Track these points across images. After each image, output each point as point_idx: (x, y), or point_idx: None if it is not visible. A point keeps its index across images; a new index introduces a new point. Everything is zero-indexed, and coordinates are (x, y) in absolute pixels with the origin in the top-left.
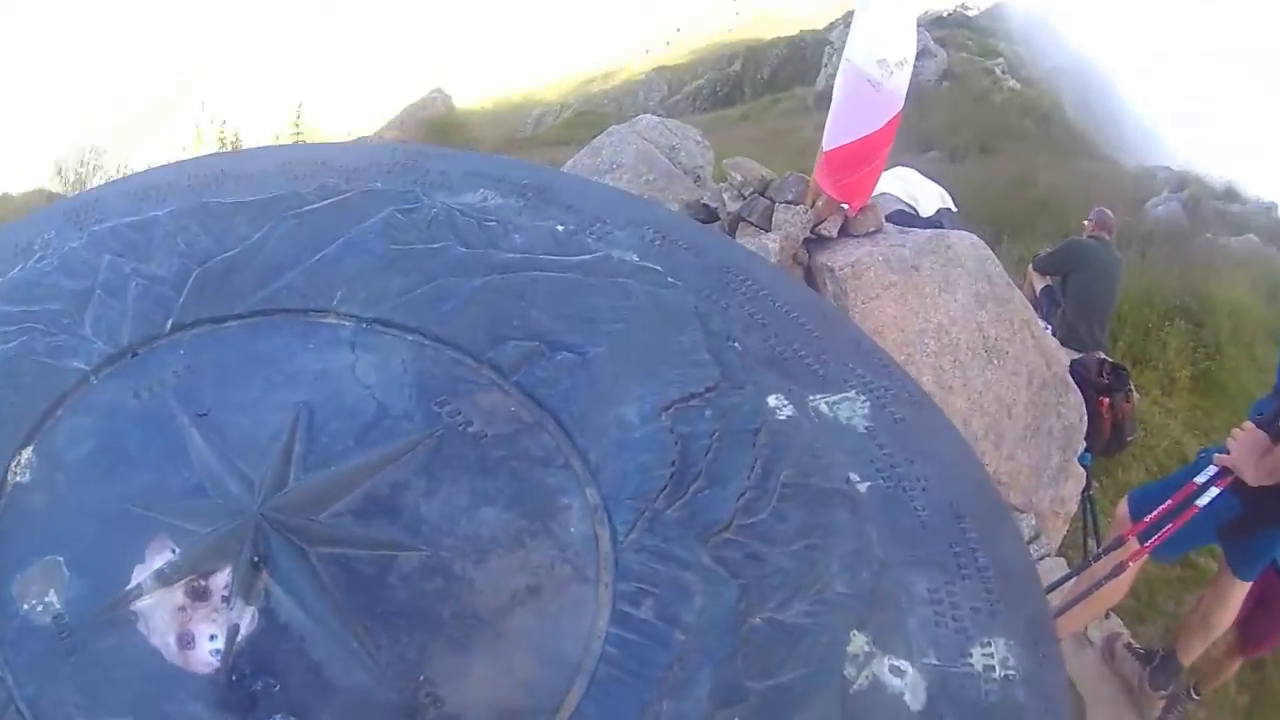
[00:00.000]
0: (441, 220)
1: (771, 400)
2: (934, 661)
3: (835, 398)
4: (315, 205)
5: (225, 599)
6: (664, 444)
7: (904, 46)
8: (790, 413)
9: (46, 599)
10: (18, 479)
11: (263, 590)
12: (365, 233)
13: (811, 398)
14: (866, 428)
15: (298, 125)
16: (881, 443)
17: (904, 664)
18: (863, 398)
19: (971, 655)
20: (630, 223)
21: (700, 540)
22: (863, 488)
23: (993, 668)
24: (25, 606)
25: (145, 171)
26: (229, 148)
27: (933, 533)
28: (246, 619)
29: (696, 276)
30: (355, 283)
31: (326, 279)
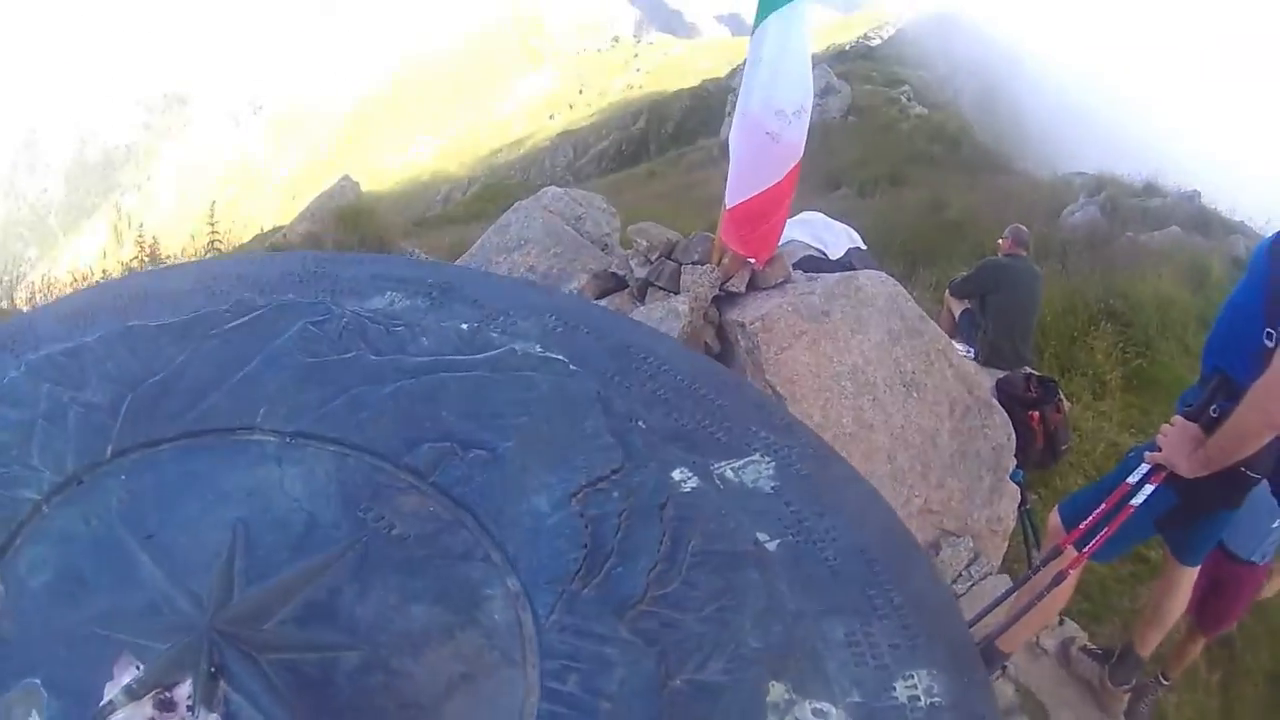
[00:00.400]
0: (352, 329)
1: (676, 474)
2: (857, 699)
3: (740, 463)
4: (234, 323)
5: (190, 708)
6: (575, 528)
7: (801, 94)
8: (696, 484)
9: None
10: None
11: (222, 698)
12: (281, 347)
13: (716, 466)
14: (773, 488)
15: (212, 224)
16: (788, 500)
17: (826, 705)
18: (768, 459)
19: (895, 689)
20: (533, 312)
21: (617, 615)
22: (772, 546)
23: (917, 697)
24: None
25: (73, 295)
26: (146, 251)
27: (845, 580)
28: None
29: (599, 360)
30: (276, 398)
31: (249, 396)
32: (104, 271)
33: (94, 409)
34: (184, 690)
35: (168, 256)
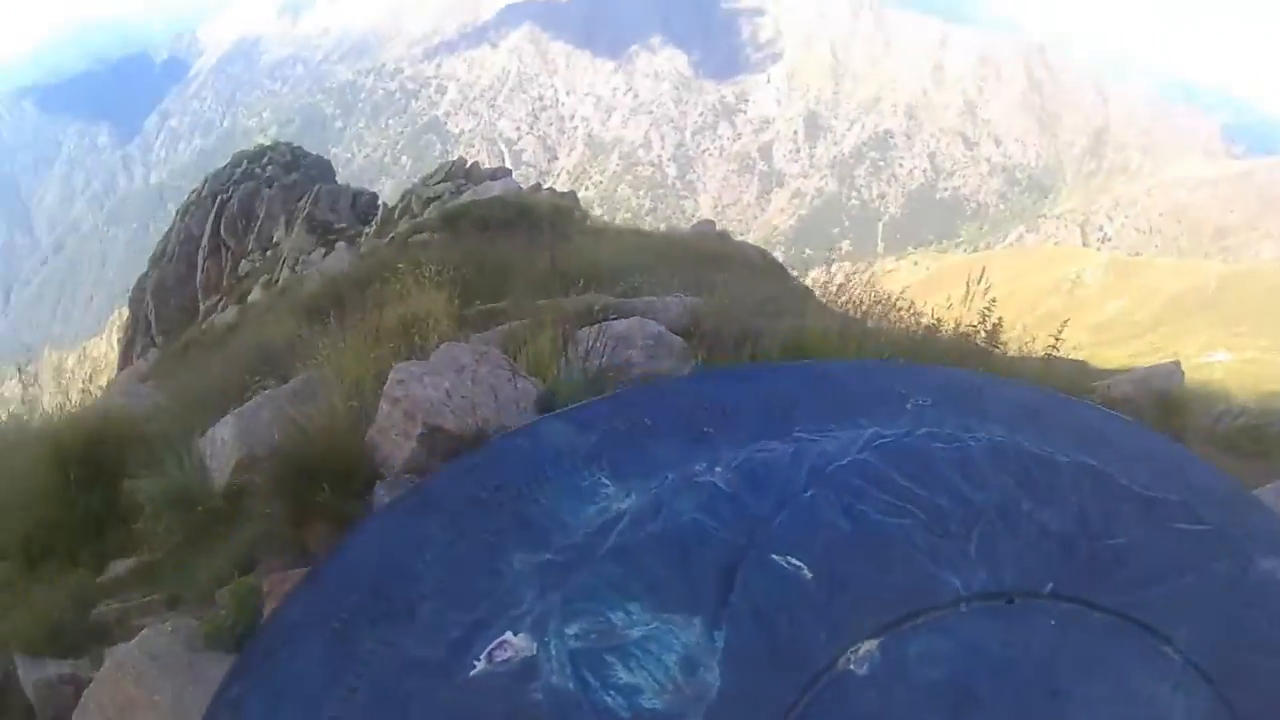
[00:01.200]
0: None
1: None
2: None
3: None
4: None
5: None
6: None
7: None
8: None
9: None
10: (851, 668)
11: None
12: None
13: None
14: None
15: (1058, 336)
16: None
17: None
18: None
19: None
20: None
21: None
22: None
23: None
24: None
25: (1017, 386)
26: (986, 325)
27: None
28: None
29: None
30: None
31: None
32: (940, 320)
33: (1047, 534)
34: None
35: (1003, 343)
